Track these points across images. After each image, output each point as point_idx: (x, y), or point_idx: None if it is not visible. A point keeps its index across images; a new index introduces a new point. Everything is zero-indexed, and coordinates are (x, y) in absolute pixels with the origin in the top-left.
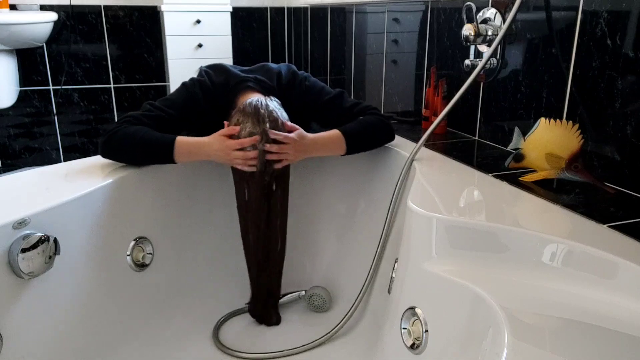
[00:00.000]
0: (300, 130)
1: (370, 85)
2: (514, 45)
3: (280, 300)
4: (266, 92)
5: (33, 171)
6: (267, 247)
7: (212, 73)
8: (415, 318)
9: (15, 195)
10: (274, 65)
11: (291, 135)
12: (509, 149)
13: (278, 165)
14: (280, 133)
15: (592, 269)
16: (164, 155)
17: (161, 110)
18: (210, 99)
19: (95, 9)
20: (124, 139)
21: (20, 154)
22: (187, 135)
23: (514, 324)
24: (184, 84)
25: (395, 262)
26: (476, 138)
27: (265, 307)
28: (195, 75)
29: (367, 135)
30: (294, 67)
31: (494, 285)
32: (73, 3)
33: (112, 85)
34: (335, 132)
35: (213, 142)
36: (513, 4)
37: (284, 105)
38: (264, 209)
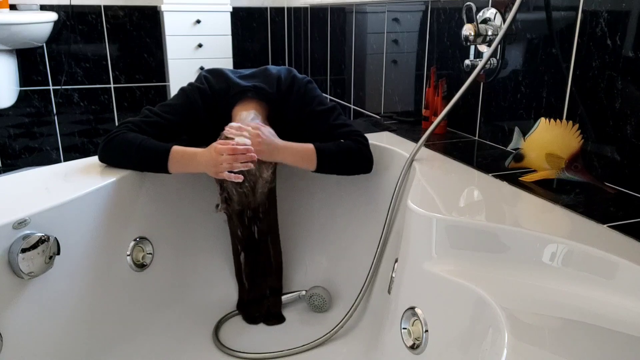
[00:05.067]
0: (269, 128)
1: (370, 85)
2: (514, 45)
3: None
4: (266, 100)
5: (33, 171)
6: (261, 266)
7: (211, 79)
8: (415, 318)
9: (15, 195)
10: (274, 70)
11: (252, 130)
12: (509, 149)
13: (246, 159)
14: (241, 126)
15: (592, 269)
16: (159, 164)
17: (160, 116)
18: (209, 106)
19: (95, 9)
20: (120, 145)
21: (20, 154)
22: (187, 141)
23: (514, 324)
24: (182, 90)
25: (395, 262)
26: (476, 138)
27: (260, 306)
28: (194, 78)
29: (341, 158)
30: (294, 71)
31: (494, 285)
32: (73, 3)
33: (112, 85)
34: (308, 146)
35: (205, 151)
36: (513, 4)
37: (282, 111)
38: (251, 234)
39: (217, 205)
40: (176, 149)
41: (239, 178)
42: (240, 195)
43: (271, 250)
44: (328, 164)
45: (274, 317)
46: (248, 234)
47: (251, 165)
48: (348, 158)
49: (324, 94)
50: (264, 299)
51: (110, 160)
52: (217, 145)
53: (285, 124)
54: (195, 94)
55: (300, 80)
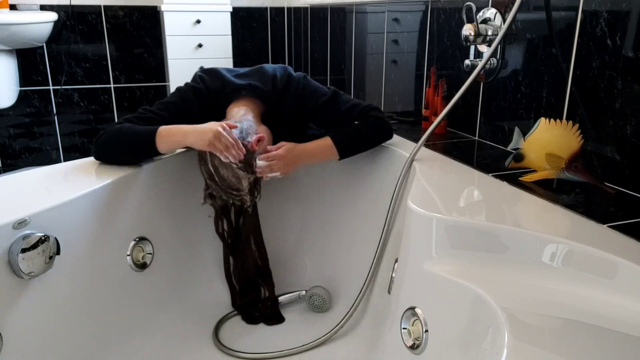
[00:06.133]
0: (287, 146)
1: (370, 85)
2: (514, 45)
3: (280, 300)
4: (260, 98)
5: (33, 171)
6: (251, 269)
7: (207, 79)
8: (415, 318)
9: (15, 195)
10: (269, 68)
11: (277, 152)
12: (509, 149)
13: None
14: (268, 155)
15: (592, 269)
16: (147, 145)
17: (154, 113)
18: (204, 106)
19: (95, 9)
20: (110, 138)
21: (20, 154)
22: None
23: (514, 324)
24: (178, 89)
25: (395, 262)
26: (476, 138)
27: (260, 307)
28: (191, 78)
29: (360, 139)
30: (290, 69)
31: (494, 286)
32: (73, 3)
33: (112, 85)
34: (326, 140)
35: (204, 125)
36: (513, 4)
37: (278, 109)
38: (236, 234)
39: (204, 198)
40: (163, 126)
41: (233, 159)
42: (224, 185)
43: (256, 252)
44: (349, 149)
45: (274, 317)
46: (232, 233)
47: (241, 156)
48: (366, 136)
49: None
50: (258, 301)
51: (103, 155)
52: (225, 124)
53: (281, 121)
54: (190, 93)
55: (296, 78)
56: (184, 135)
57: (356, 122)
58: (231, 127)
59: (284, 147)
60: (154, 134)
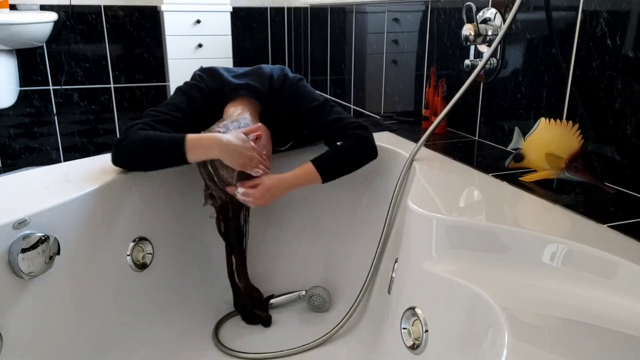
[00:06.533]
0: (265, 184)
1: (370, 85)
2: (514, 45)
3: (280, 300)
4: (258, 98)
5: (33, 171)
6: (230, 264)
7: (206, 78)
8: (415, 318)
9: (15, 195)
10: (267, 68)
11: (253, 191)
12: (509, 149)
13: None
14: (245, 192)
15: (592, 269)
16: (176, 154)
17: (167, 114)
18: (207, 105)
19: (95, 9)
20: (133, 143)
21: (20, 154)
22: None
23: (514, 324)
24: (180, 89)
25: (395, 262)
26: (476, 138)
27: (251, 307)
28: (191, 77)
29: (342, 161)
30: (287, 69)
31: (494, 285)
32: (73, 3)
33: (112, 85)
34: (308, 167)
35: (233, 138)
36: (513, 4)
37: (275, 108)
38: (239, 232)
39: (205, 199)
40: (190, 136)
41: (259, 172)
42: (219, 189)
43: (236, 251)
44: (332, 172)
45: (262, 311)
46: (235, 232)
47: (268, 169)
48: (349, 158)
49: (319, 92)
50: (259, 301)
51: (125, 162)
52: (251, 143)
53: (278, 120)
54: (194, 91)
55: (291, 79)
56: (217, 147)
57: (339, 143)
58: (248, 133)
59: (262, 185)
60: (182, 144)
